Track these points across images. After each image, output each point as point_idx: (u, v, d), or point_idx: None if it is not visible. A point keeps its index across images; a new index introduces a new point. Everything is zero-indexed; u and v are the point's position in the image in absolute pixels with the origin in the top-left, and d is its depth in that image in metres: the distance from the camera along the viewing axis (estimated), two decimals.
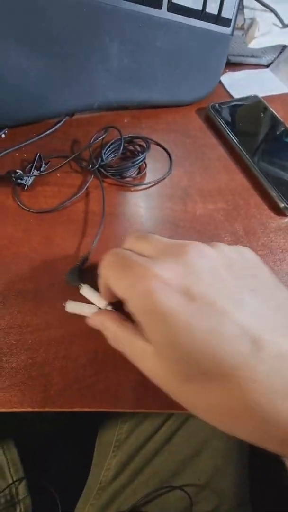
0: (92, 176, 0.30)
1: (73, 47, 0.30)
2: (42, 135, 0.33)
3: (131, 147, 0.33)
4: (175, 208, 0.31)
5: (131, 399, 0.21)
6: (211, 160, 0.35)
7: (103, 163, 0.30)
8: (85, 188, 0.30)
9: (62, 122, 0.34)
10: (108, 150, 0.31)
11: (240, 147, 0.35)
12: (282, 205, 0.31)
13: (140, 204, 0.30)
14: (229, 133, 0.36)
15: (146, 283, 0.16)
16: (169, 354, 0.16)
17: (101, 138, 0.32)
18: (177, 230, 0.29)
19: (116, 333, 0.19)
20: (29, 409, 0.20)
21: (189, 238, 0.29)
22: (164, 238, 0.20)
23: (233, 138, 0.35)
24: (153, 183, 0.32)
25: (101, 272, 0.19)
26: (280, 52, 0.44)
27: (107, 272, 0.19)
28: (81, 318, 0.24)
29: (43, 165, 0.30)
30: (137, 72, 0.34)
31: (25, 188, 0.29)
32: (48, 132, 0.33)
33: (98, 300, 0.22)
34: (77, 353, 0.22)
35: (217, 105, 0.38)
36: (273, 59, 0.45)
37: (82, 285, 0.23)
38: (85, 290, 0.23)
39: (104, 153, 0.31)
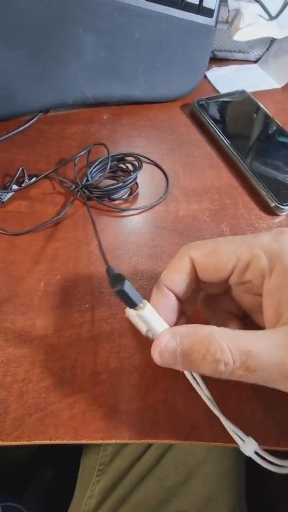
0: (74, 197, 0.27)
1: (43, 39, 0.27)
2: (12, 133, 0.30)
3: (122, 165, 0.29)
4: (156, 209, 0.28)
5: (101, 428, 0.18)
6: (196, 157, 0.32)
7: (88, 183, 0.27)
8: (64, 212, 0.26)
9: (34, 119, 0.32)
10: (95, 169, 0.28)
11: (227, 143, 0.32)
12: (272, 204, 0.28)
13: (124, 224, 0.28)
14: (215, 129, 0.33)
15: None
16: None
17: (81, 154, 0.28)
18: (157, 233, 0.27)
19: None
20: None
21: (171, 241, 0.26)
22: None
23: (220, 134, 0.33)
24: (144, 208, 0.27)
25: (193, 246, 0.17)
26: (269, 47, 0.42)
27: (205, 245, 0.17)
28: (45, 335, 0.21)
29: (25, 181, 0.27)
30: (115, 66, 0.32)
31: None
32: (19, 129, 0.31)
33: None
34: (39, 375, 0.20)
35: (202, 100, 0.36)
36: (261, 53, 0.43)
37: (143, 301, 0.16)
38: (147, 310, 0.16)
39: (91, 172, 0.27)
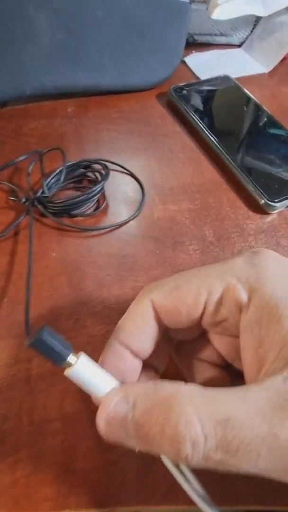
0: (25, 213, 0.22)
1: None
2: None
3: (90, 174, 0.25)
4: (127, 212, 0.24)
5: (51, 496, 0.14)
6: (173, 151, 0.28)
7: (43, 195, 0.22)
8: (8, 230, 0.21)
9: None
10: (53, 180, 0.23)
11: (209, 135, 0.28)
12: (262, 201, 0.25)
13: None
14: (195, 119, 0.30)
15: None
16: None
17: (21, 159, 0.24)
18: (128, 241, 0.23)
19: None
20: None
21: (145, 249, 0.23)
22: None
23: (201, 125, 0.29)
24: (111, 227, 0.23)
25: (153, 287, 0.14)
26: (253, 28, 0.38)
27: (167, 283, 0.13)
28: None
29: None
30: (77, 50, 0.28)
31: None
32: None
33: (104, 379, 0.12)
34: None
35: (180, 87, 0.32)
36: (245, 36, 0.39)
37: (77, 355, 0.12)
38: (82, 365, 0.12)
39: (48, 183, 0.23)
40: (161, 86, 0.33)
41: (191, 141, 0.29)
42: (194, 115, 0.30)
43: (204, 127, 0.29)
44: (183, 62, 0.37)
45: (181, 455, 0.09)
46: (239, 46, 0.40)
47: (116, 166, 0.26)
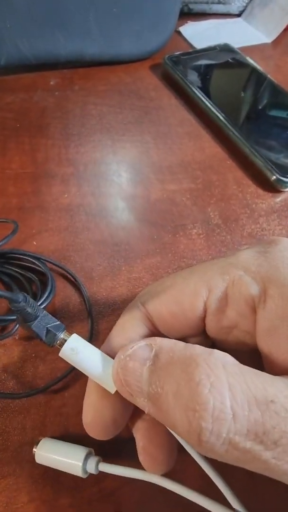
0: None
1: None
2: None
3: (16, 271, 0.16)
4: (119, 194, 0.21)
5: None
6: (171, 125, 0.25)
7: None
8: None
9: None
10: None
11: (210, 106, 0.25)
12: (273, 177, 0.21)
13: (68, 189, 0.21)
14: (194, 90, 0.26)
15: None
16: None
17: None
18: (120, 224, 0.19)
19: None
20: None
21: (142, 234, 0.19)
22: None
23: (200, 96, 0.26)
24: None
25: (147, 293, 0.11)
26: None
27: (160, 284, 0.11)
28: None
29: None
30: (58, 12, 0.24)
31: None
32: None
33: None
34: None
35: (176, 56, 0.29)
36: (244, 5, 0.36)
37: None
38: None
39: None
40: (154, 57, 0.30)
41: (189, 114, 0.26)
42: (192, 86, 0.27)
43: (205, 99, 0.26)
44: (178, 33, 0.33)
45: (195, 430, 0.07)
46: (239, 15, 0.36)
47: (55, 266, 0.17)
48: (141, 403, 0.09)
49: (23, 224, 0.18)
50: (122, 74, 0.28)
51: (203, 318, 0.10)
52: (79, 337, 0.10)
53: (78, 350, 0.10)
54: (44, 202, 0.20)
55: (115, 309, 0.16)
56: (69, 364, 0.10)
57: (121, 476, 0.11)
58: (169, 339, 0.09)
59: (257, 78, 0.29)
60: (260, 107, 0.26)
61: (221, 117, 0.25)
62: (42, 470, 0.12)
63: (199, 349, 0.08)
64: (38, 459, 0.12)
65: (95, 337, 0.16)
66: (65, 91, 0.26)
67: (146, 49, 0.29)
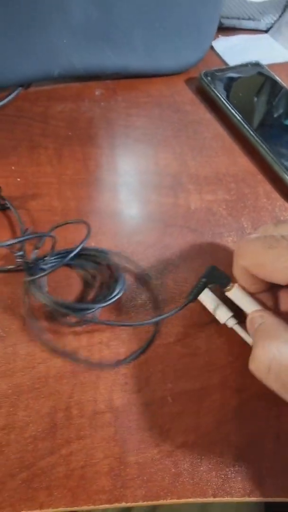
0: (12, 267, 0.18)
1: None
2: None
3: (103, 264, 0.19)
4: (163, 202, 0.23)
5: (105, 489, 0.14)
6: (206, 139, 0.27)
7: (35, 277, 0.17)
8: None
9: (12, 95, 0.26)
10: (55, 256, 0.18)
11: (242, 122, 0.27)
12: None
13: (119, 199, 0.23)
14: (227, 106, 0.29)
15: None
16: None
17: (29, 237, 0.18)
18: (166, 230, 0.22)
19: None
20: None
21: (182, 239, 0.22)
22: None
23: (233, 112, 0.28)
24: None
25: (242, 258, 0.16)
26: (282, 14, 0.37)
27: (255, 257, 0.15)
28: (30, 365, 0.16)
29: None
30: (109, 30, 0.26)
31: None
32: None
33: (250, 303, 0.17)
34: (23, 421, 0.15)
35: (211, 72, 0.31)
36: (273, 22, 0.38)
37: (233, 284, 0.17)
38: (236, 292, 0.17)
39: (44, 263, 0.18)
40: (190, 71, 0.32)
41: (222, 128, 0.28)
42: (225, 101, 0.29)
43: (237, 115, 0.28)
44: (210, 47, 0.35)
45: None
46: (266, 31, 0.38)
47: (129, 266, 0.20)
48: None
49: (81, 226, 0.21)
50: (160, 87, 0.31)
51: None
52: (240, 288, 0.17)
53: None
54: (96, 207, 0.22)
55: (167, 303, 0.19)
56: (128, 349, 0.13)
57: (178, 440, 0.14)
58: (271, 315, 0.15)
59: (285, 96, 0.31)
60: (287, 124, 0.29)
61: (251, 133, 0.27)
62: (112, 433, 0.15)
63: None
64: None
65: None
66: (109, 102, 0.28)
67: (184, 64, 0.31)
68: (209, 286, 0.17)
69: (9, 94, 0.26)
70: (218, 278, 0.17)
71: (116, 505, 0.14)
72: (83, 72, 0.28)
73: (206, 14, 0.30)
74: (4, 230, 0.20)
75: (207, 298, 0.17)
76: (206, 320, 0.19)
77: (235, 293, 0.17)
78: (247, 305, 0.17)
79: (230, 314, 0.17)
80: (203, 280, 0.17)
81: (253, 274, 0.16)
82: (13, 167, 0.23)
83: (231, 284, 0.17)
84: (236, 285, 0.17)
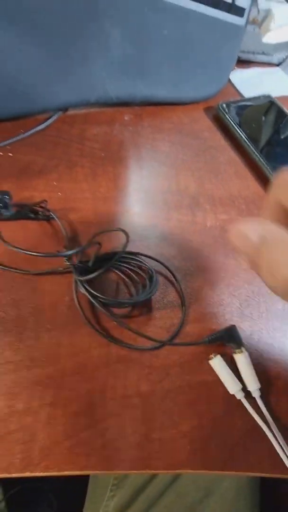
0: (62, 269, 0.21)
1: (68, 32, 0.26)
2: (31, 132, 0.29)
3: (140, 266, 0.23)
4: (182, 219, 0.27)
5: (133, 458, 0.17)
6: (221, 164, 0.31)
7: (88, 277, 0.20)
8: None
9: (54, 117, 0.30)
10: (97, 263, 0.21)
11: (253, 150, 0.31)
12: None
13: (137, 213, 0.26)
14: (241, 134, 0.32)
15: None
16: None
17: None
18: (185, 245, 0.25)
19: None
20: (5, 475, 0.16)
21: (199, 253, 0.25)
22: None
23: (246, 141, 0.32)
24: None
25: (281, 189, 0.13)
26: None
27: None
28: (72, 354, 0.20)
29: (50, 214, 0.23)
30: (141, 64, 0.30)
31: None
32: (37, 128, 0.29)
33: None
34: (67, 398, 0.18)
35: (227, 104, 0.34)
36: (284, 57, 0.42)
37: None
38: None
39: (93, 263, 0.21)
40: (207, 100, 0.36)
41: (236, 155, 0.32)
42: (239, 130, 0.32)
43: (249, 143, 0.31)
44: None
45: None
46: (278, 65, 0.42)
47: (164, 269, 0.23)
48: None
49: (114, 237, 0.24)
50: (181, 114, 0.34)
51: None
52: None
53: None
54: (124, 221, 0.26)
55: (192, 302, 0.22)
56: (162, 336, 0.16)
57: (193, 422, 0.17)
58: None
59: None
60: None
61: (261, 160, 0.30)
62: (138, 414, 0.18)
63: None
64: None
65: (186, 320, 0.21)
66: (136, 127, 0.32)
67: (205, 95, 0.35)
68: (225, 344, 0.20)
69: (51, 117, 0.30)
70: (234, 338, 0.20)
71: (142, 471, 0.17)
72: (115, 100, 0.31)
73: (227, 51, 0.33)
74: (50, 237, 0.23)
75: (219, 368, 0.19)
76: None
77: (242, 359, 0.19)
78: (250, 375, 0.19)
79: (240, 386, 0.19)
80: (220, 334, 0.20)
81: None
82: (54, 183, 0.26)
83: (242, 348, 0.20)
84: (245, 351, 0.20)
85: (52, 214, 0.24)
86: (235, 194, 0.29)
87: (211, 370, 0.20)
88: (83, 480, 0.38)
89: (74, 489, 0.38)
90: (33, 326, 0.20)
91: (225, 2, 0.29)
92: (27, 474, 0.16)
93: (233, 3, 0.30)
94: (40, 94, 0.28)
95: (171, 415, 0.19)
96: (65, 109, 0.31)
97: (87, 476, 0.35)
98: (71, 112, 0.32)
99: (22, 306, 0.21)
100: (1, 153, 0.27)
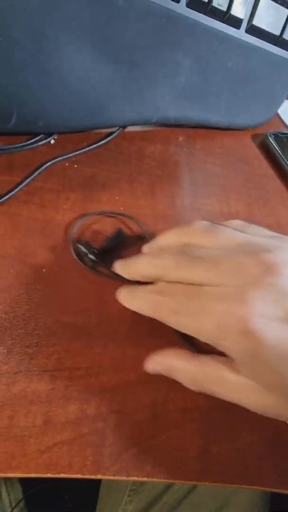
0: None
1: (143, 57, 0.27)
2: (94, 146, 0.30)
3: None
4: None
5: (195, 470, 0.19)
6: (269, 192, 0.32)
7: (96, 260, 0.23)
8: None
9: (115, 133, 0.31)
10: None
11: None
12: None
13: None
14: (287, 165, 0.34)
15: (244, 323, 0.15)
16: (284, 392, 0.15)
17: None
18: None
19: (195, 374, 0.17)
20: (79, 475, 0.17)
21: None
22: (238, 234, 0.19)
23: None
24: None
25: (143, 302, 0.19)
26: None
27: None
28: (138, 363, 0.21)
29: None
30: (203, 91, 0.32)
31: None
32: (100, 143, 0.30)
33: None
34: (133, 407, 0.19)
35: (275, 134, 0.36)
36: None
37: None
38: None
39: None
40: (255, 128, 0.37)
41: (282, 184, 0.33)
42: (286, 160, 0.34)
43: None
44: None
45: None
46: None
47: None
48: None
49: None
50: (231, 140, 0.36)
51: None
52: None
53: None
54: None
55: None
56: None
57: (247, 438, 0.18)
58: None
59: None
60: None
61: None
62: (197, 427, 0.19)
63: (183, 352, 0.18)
64: None
65: None
66: (190, 148, 0.34)
67: (254, 123, 0.36)
68: None
69: (113, 133, 0.31)
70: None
71: (201, 483, 0.18)
72: (173, 121, 0.33)
73: (279, 85, 0.35)
74: None
75: None
76: None
77: None
78: None
79: None
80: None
81: None
82: (117, 197, 0.28)
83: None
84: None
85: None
86: (282, 222, 0.30)
87: None
88: (96, 482, 0.38)
89: (87, 490, 0.38)
90: (98, 334, 0.21)
91: (286, 41, 0.31)
92: (99, 476, 0.17)
93: None
94: (108, 112, 0.29)
95: (228, 431, 0.20)
96: (124, 126, 0.32)
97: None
98: (129, 129, 0.33)
99: (91, 312, 0.22)
100: (67, 164, 0.29)
